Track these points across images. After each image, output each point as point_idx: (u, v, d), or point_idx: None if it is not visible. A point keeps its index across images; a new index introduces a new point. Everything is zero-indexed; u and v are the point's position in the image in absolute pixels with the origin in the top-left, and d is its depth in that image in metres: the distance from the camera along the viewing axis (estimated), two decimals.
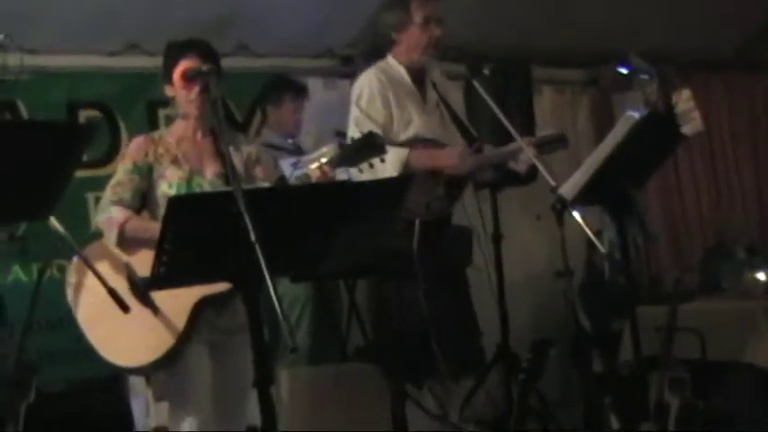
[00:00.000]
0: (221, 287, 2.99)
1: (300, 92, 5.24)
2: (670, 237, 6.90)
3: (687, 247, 6.89)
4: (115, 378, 4.12)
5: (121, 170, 3.36)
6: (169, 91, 3.40)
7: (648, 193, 6.68)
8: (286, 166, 3.32)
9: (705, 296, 5.60)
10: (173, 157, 3.37)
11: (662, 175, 6.70)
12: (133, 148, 3.40)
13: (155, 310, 3.14)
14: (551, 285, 5.33)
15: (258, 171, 3.46)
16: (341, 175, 3.35)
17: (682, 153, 6.89)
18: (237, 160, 3.37)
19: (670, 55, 6.79)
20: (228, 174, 2.87)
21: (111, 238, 3.24)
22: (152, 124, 5.01)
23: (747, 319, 5.03)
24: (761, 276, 5.43)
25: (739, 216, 6.92)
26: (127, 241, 3.23)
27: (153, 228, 3.05)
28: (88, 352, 3.23)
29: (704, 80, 7.06)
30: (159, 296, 3.13)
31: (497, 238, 5.01)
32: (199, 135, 3.42)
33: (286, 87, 5.21)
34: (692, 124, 6.65)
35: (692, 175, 7.05)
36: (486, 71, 4.15)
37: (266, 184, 3.35)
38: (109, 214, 3.26)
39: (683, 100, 6.61)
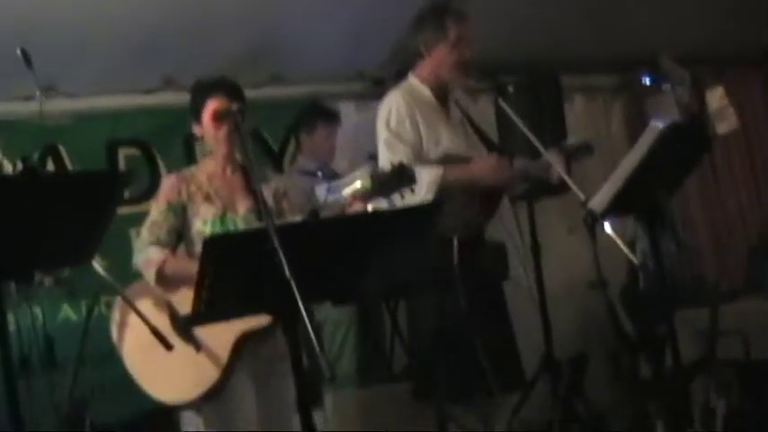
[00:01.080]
0: (261, 321, 3.09)
1: (332, 118, 5.33)
2: (712, 237, 6.83)
3: (730, 246, 6.82)
4: (166, 411, 4.20)
5: (156, 210, 3.45)
6: (197, 130, 3.49)
7: (688, 194, 6.63)
8: (321, 191, 3.38)
9: (749, 296, 5.56)
10: (205, 194, 3.45)
11: (701, 176, 6.64)
12: (166, 188, 3.50)
13: (197, 346, 3.23)
14: (592, 294, 5.33)
15: (286, 204, 3.55)
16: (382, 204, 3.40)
17: (719, 152, 6.84)
18: (267, 194, 3.44)
19: (703, 54, 6.77)
20: (261, 210, 2.94)
21: (150, 278, 3.34)
22: (189, 158, 5.10)
23: None
24: None
25: None
26: (165, 281, 3.33)
27: (190, 267, 3.13)
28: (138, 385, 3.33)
29: (739, 77, 6.99)
30: (201, 332, 3.22)
31: (536, 249, 5.02)
32: (229, 171, 3.50)
33: (318, 114, 5.31)
34: (726, 122, 6.63)
35: (731, 173, 6.98)
36: (510, 88, 4.17)
37: (295, 217, 3.41)
38: (147, 255, 3.36)
39: (717, 98, 6.59)
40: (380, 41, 5.60)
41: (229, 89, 3.43)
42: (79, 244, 2.62)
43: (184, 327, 3.21)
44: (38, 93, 3.46)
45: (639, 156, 3.41)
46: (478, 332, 4.12)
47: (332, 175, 4.95)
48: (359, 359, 4.95)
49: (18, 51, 3.44)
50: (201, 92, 3.46)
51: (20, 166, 2.87)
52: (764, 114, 7.19)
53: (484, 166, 4.11)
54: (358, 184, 3.22)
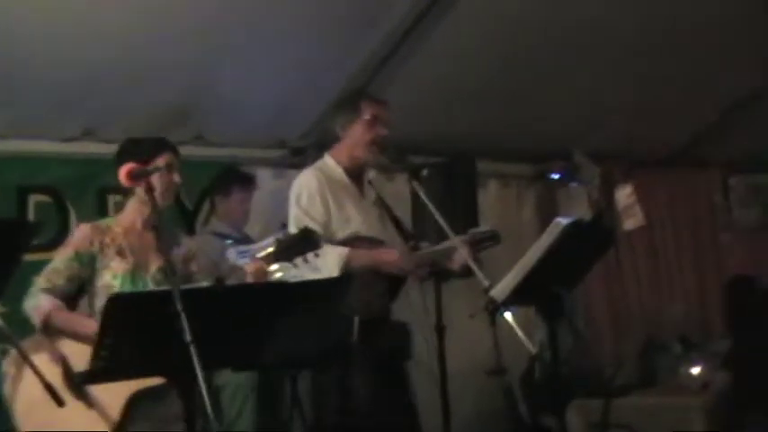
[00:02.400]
0: (156, 380, 3.07)
1: (248, 183, 5.37)
2: (612, 328, 7.01)
3: (629, 338, 6.99)
4: None
5: (60, 258, 3.43)
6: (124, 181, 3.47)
7: (592, 286, 6.80)
8: (233, 255, 3.41)
9: (642, 390, 5.69)
10: (118, 247, 3.45)
11: (605, 269, 6.84)
12: (78, 236, 3.48)
13: (89, 403, 3.19)
14: (492, 379, 5.39)
15: (194, 266, 3.58)
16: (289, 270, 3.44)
17: (625, 247, 7.06)
18: (177, 256, 3.45)
19: (614, 152, 7.02)
20: (168, 272, 2.95)
21: (36, 324, 3.30)
22: (102, 210, 5.07)
23: (682, 415, 5.14)
24: (695, 371, 5.54)
25: (677, 308, 7.04)
26: (50, 331, 3.29)
27: (77, 323, 3.12)
28: None
29: (647, 176, 7.26)
30: (95, 387, 3.19)
31: (440, 329, 5.07)
32: (143, 228, 3.50)
33: (234, 179, 5.35)
34: (633, 219, 6.89)
35: (635, 268, 7.20)
36: (424, 172, 4.27)
37: (202, 281, 3.42)
38: (37, 301, 3.33)
39: (625, 195, 6.84)
40: (304, 111, 5.69)
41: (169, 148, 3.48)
42: None
43: (79, 383, 3.17)
44: None
45: (542, 250, 3.53)
46: (377, 409, 4.15)
47: (244, 240, 4.97)
48: (257, 426, 4.90)
49: None
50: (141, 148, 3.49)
51: None
52: (669, 213, 7.46)
53: (388, 256, 4.19)
54: (269, 249, 3.28)
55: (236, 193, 5.28)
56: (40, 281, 3.39)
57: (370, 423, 4.15)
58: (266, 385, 4.99)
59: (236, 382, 4.83)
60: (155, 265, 3.47)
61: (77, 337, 3.16)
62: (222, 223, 5.26)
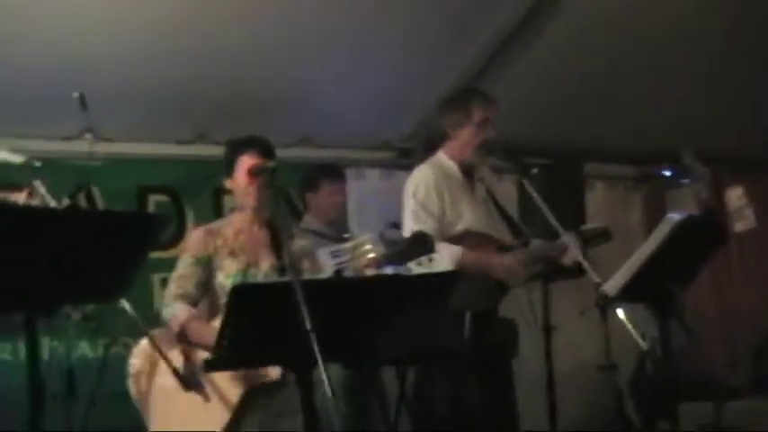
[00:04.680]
0: (271, 376, 3.19)
1: (336, 175, 5.28)
2: (722, 332, 6.89)
3: (739, 342, 6.86)
4: None
5: (183, 263, 3.55)
6: (229, 184, 3.61)
7: (701, 287, 6.70)
8: (323, 254, 3.44)
9: (754, 394, 5.57)
10: (230, 249, 3.56)
11: (715, 272, 6.73)
12: (193, 241, 3.61)
13: (206, 396, 3.32)
14: (600, 378, 5.36)
15: (306, 264, 3.62)
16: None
17: (735, 249, 6.93)
18: (294, 250, 3.53)
19: (724, 154, 6.90)
20: (286, 265, 3.03)
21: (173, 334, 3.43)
22: (217, 210, 5.24)
23: None
24: None
25: None
26: (185, 341, 3.42)
27: (210, 334, 3.24)
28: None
29: (757, 179, 7.12)
30: (215, 381, 3.31)
31: (548, 329, 5.07)
32: (255, 227, 3.61)
33: (322, 172, 5.25)
34: (744, 221, 6.73)
35: (745, 271, 7.08)
36: (534, 170, 4.29)
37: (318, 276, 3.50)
38: (173, 311, 3.45)
39: (736, 197, 6.70)
40: (407, 114, 5.77)
41: (263, 147, 3.56)
42: (112, 281, 2.71)
43: (205, 370, 3.26)
44: (89, 135, 3.58)
45: (654, 246, 3.51)
46: (483, 407, 4.17)
47: (339, 238, 5.00)
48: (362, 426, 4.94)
49: (75, 95, 3.57)
50: (236, 148, 3.59)
51: (65, 202, 2.97)
52: None
53: (501, 262, 4.21)
54: (364, 242, 3.26)
55: (325, 186, 5.16)
56: (172, 288, 3.52)
57: (478, 420, 4.17)
58: (373, 383, 5.03)
59: (340, 382, 4.86)
60: (266, 261, 3.56)
61: (209, 348, 3.27)
62: (315, 219, 5.16)
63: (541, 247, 4.34)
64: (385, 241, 3.43)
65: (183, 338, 3.41)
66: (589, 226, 4.43)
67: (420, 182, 4.28)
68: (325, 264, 3.20)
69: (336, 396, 4.77)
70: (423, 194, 4.24)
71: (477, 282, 4.15)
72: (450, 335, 3.95)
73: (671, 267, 3.58)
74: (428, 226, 4.03)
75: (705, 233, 3.86)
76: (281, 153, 3.75)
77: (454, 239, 4.18)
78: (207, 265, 3.53)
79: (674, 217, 3.50)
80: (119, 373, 3.63)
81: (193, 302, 3.49)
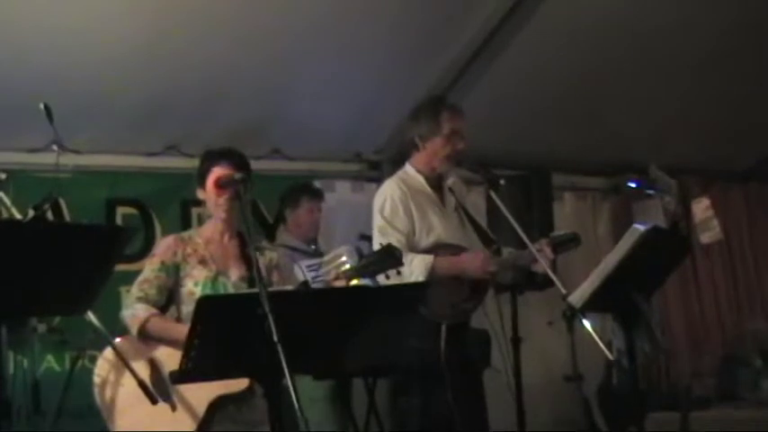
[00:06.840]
0: (239, 386, 3.19)
1: (316, 194, 5.43)
2: (689, 342, 6.93)
3: (706, 352, 6.91)
4: None
5: (149, 268, 3.55)
6: (200, 194, 3.61)
7: (668, 298, 6.76)
8: (301, 268, 3.44)
9: (722, 404, 5.62)
10: (200, 257, 3.56)
11: (682, 282, 6.79)
12: (162, 248, 3.61)
13: (173, 406, 3.31)
14: (568, 388, 5.39)
15: (276, 276, 3.64)
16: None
17: (701, 260, 7.00)
18: (261, 264, 3.53)
19: (691, 166, 6.98)
20: (255, 276, 3.03)
21: (133, 332, 3.43)
22: (185, 222, 5.23)
23: (764, 429, 5.06)
24: None
25: (759, 323, 6.94)
26: (147, 338, 3.42)
27: (173, 329, 3.24)
28: None
29: (723, 191, 7.19)
30: (181, 390, 3.30)
31: (516, 340, 5.09)
32: (226, 238, 3.61)
33: (303, 190, 5.41)
34: (710, 233, 6.83)
35: (712, 281, 7.12)
36: (502, 182, 4.29)
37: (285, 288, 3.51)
38: (133, 310, 3.46)
39: (702, 209, 6.78)
40: (379, 127, 5.79)
41: (236, 159, 3.56)
42: (79, 294, 2.70)
43: (172, 383, 3.26)
44: (55, 147, 3.56)
45: (619, 256, 3.54)
46: (459, 419, 4.17)
47: (315, 254, 5.04)
48: None
49: (41, 106, 3.55)
50: (209, 159, 3.59)
51: (31, 213, 2.96)
52: (746, 228, 7.36)
53: (472, 260, 4.22)
54: (340, 254, 3.30)
55: (304, 203, 5.33)
56: (134, 290, 3.52)
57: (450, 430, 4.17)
58: (342, 394, 5.04)
59: (308, 394, 4.86)
60: (236, 272, 3.57)
61: (172, 342, 3.28)
62: (292, 236, 5.33)
63: (512, 255, 4.36)
64: (360, 254, 3.45)
65: (144, 336, 3.41)
66: (559, 232, 4.43)
67: (387, 198, 4.28)
68: (303, 278, 3.20)
69: (317, 407, 4.88)
70: (389, 210, 4.24)
71: (450, 293, 4.16)
72: (421, 346, 3.96)
73: (636, 277, 3.61)
74: (395, 241, 4.03)
75: (670, 244, 3.89)
76: (251, 165, 3.75)
77: (425, 252, 4.19)
78: (173, 273, 3.53)
79: (640, 227, 3.53)
80: (85, 387, 3.59)
81: (155, 306, 3.49)
